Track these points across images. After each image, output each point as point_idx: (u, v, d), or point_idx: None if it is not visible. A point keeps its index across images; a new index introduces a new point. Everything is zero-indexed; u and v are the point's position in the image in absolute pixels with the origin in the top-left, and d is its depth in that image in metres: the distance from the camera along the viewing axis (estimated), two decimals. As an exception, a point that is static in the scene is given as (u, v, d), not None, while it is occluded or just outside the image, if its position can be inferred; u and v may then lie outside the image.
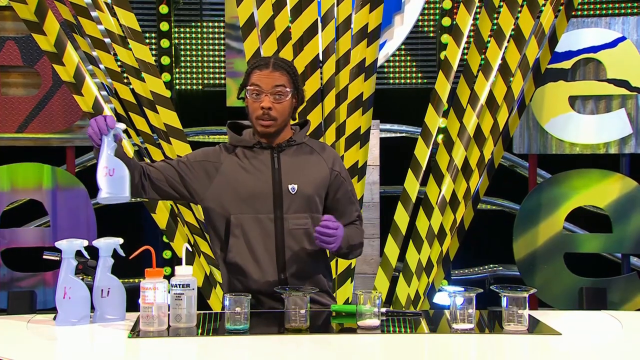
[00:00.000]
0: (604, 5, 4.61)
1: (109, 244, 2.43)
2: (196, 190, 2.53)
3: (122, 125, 2.34)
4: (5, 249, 4.21)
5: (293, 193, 2.48)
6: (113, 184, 2.30)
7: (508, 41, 3.85)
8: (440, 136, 4.00)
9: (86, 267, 2.42)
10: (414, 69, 4.83)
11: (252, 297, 2.30)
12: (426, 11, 4.77)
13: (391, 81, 4.86)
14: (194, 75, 4.84)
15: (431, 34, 4.80)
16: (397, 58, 4.81)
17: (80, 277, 2.41)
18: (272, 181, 2.48)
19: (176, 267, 2.32)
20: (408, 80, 4.83)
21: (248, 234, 2.48)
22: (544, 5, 3.89)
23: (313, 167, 2.54)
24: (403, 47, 4.76)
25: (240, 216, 2.48)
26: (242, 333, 2.23)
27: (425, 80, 4.82)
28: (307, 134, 2.63)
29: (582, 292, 4.19)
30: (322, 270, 2.59)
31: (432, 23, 4.80)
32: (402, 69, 4.85)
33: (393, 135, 4.78)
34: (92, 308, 2.42)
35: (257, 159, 2.51)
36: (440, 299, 4.17)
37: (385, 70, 4.84)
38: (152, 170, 2.51)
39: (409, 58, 4.82)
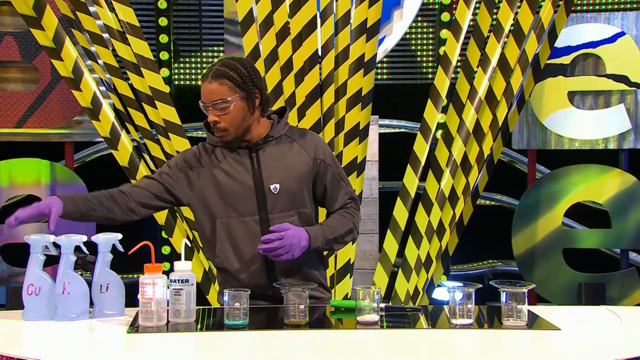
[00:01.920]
0: (603, 1, 4.60)
1: (107, 240, 2.43)
2: (183, 197, 2.50)
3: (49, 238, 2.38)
4: (4, 244, 4.21)
5: (275, 193, 2.42)
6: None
7: (507, 36, 3.85)
8: (440, 132, 4.00)
9: (85, 263, 2.42)
10: (413, 65, 4.82)
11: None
12: (425, 6, 4.76)
13: (390, 76, 4.85)
14: (193, 71, 4.83)
15: (430, 29, 4.79)
16: (396, 53, 4.80)
17: (79, 273, 2.41)
18: (253, 182, 2.42)
19: (175, 263, 2.32)
20: (407, 76, 4.83)
21: (235, 237, 2.44)
22: (543, 0, 3.88)
23: (294, 160, 2.45)
24: (402, 42, 4.75)
25: (225, 220, 2.44)
26: (241, 328, 2.22)
27: (424, 76, 4.81)
28: (287, 122, 2.54)
29: (581, 287, 4.20)
30: (313, 264, 2.52)
31: (431, 18, 4.79)
32: (401, 64, 4.84)
33: (392, 130, 4.78)
34: (91, 303, 2.42)
35: (236, 159, 2.45)
36: (439, 294, 4.18)
37: (385, 65, 4.83)
38: (135, 191, 2.48)
39: (408, 53, 4.81)
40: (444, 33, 4.52)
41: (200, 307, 2.43)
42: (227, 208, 2.44)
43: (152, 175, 2.54)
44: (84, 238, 2.43)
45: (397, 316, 2.43)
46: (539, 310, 2.50)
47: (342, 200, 2.52)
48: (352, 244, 2.66)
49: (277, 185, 2.42)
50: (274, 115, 2.51)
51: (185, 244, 2.39)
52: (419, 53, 4.85)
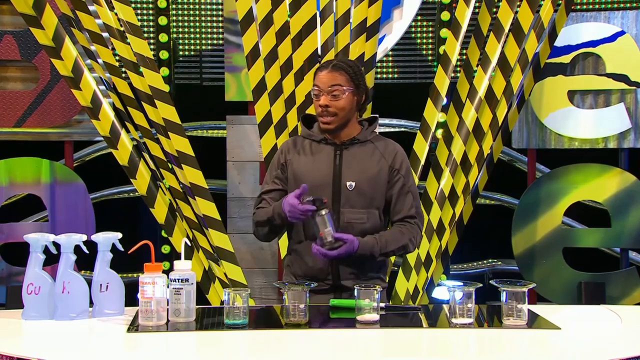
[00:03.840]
0: (603, 0, 4.60)
1: (107, 239, 2.43)
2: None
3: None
4: (3, 243, 4.21)
5: (350, 190, 2.58)
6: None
7: (507, 35, 3.85)
8: (440, 131, 4.00)
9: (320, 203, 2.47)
10: (412, 64, 4.82)
11: (309, 280, 2.48)
12: (425, 5, 4.76)
13: (390, 76, 4.85)
14: (193, 70, 4.83)
15: (430, 28, 4.78)
16: (396, 52, 4.80)
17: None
18: (332, 176, 2.60)
19: (175, 262, 2.32)
20: (407, 75, 4.82)
21: (307, 224, 2.57)
22: (543, -1, 3.88)
23: (373, 165, 2.63)
24: (402, 41, 4.75)
25: None
26: (240, 328, 2.23)
27: (424, 75, 4.81)
28: (375, 130, 2.73)
29: (581, 286, 4.20)
30: (374, 264, 2.64)
31: (431, 17, 4.78)
32: (401, 64, 4.84)
33: (392, 130, 4.78)
34: (91, 303, 2.42)
35: (321, 153, 2.65)
36: (439, 293, 4.18)
37: (384, 64, 4.83)
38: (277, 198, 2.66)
39: (407, 52, 4.81)
40: (444, 32, 4.52)
41: (200, 306, 2.43)
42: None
43: (275, 185, 2.69)
44: (84, 237, 2.44)
45: (397, 315, 2.43)
46: (539, 309, 2.50)
47: (405, 212, 2.65)
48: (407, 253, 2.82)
49: (353, 183, 2.59)
50: (365, 122, 2.73)
51: (185, 243, 2.39)
52: (418, 52, 4.85)
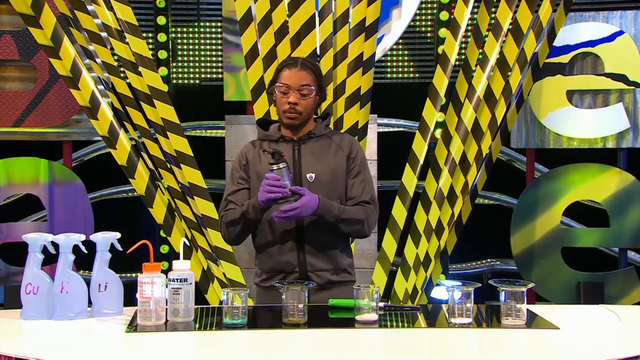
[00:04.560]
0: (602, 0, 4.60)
1: (106, 239, 2.43)
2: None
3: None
4: (2, 243, 4.21)
5: (311, 181, 2.65)
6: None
7: (506, 35, 3.85)
8: (438, 130, 4.00)
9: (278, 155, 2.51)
10: (411, 63, 4.82)
11: (278, 274, 2.63)
12: (424, 5, 4.76)
13: (389, 75, 4.85)
14: (191, 70, 4.83)
15: (429, 28, 4.79)
16: (394, 52, 4.80)
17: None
18: (292, 170, 2.65)
19: (174, 262, 2.32)
20: (406, 75, 4.83)
21: (272, 218, 2.61)
22: (542, -1, 3.88)
23: (331, 156, 2.70)
24: (401, 41, 4.75)
25: None
26: (239, 328, 2.22)
27: (422, 75, 4.81)
28: (329, 125, 2.81)
29: (579, 286, 4.20)
30: (341, 249, 2.71)
31: (429, 17, 4.78)
32: (400, 63, 4.84)
33: (391, 129, 4.78)
34: (90, 302, 2.42)
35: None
36: (438, 293, 4.18)
37: (383, 64, 4.83)
38: (242, 200, 2.69)
39: (406, 52, 4.81)
40: (443, 32, 4.52)
41: (199, 306, 2.43)
42: None
43: (239, 185, 2.72)
44: (83, 237, 2.43)
45: (396, 315, 2.43)
46: (538, 309, 2.50)
47: (360, 197, 2.70)
48: (361, 238, 2.83)
49: (313, 175, 2.66)
50: (319, 119, 2.80)
51: (184, 243, 2.39)
52: (417, 52, 4.85)
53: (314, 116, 2.79)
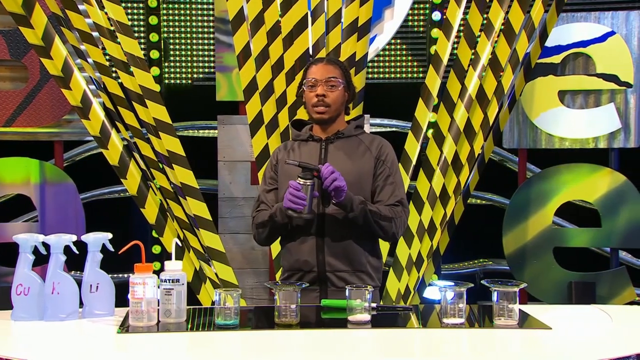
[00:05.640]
0: (594, 0, 4.62)
1: (97, 239, 2.42)
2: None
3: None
4: (-8, 244, 4.19)
5: None
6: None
7: (498, 36, 3.85)
8: (431, 131, 4.00)
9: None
10: (404, 64, 4.82)
11: (297, 272, 2.62)
12: (416, 5, 4.77)
13: (381, 75, 4.85)
14: (183, 69, 4.82)
15: (421, 29, 4.79)
16: (387, 52, 4.80)
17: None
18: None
19: (166, 262, 2.31)
20: (398, 75, 4.83)
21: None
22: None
23: (359, 157, 2.68)
24: (393, 41, 4.75)
25: None
26: (232, 328, 2.22)
27: (415, 75, 4.81)
28: (361, 126, 2.78)
29: (571, 286, 4.21)
30: (364, 249, 2.65)
31: (422, 17, 4.79)
32: (392, 64, 4.84)
33: (383, 129, 4.78)
34: (81, 303, 2.41)
35: (306, 150, 2.72)
36: (430, 293, 4.18)
37: (376, 64, 4.83)
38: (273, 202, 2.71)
39: (399, 52, 4.81)
40: (435, 32, 4.53)
41: (191, 306, 2.42)
42: None
43: (267, 185, 2.74)
44: (74, 238, 2.42)
45: (389, 315, 2.43)
46: (530, 309, 2.50)
47: (389, 200, 2.65)
48: (390, 240, 2.78)
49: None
50: (352, 121, 2.79)
51: (176, 243, 2.38)
52: (409, 52, 4.85)
53: (346, 117, 2.78)
